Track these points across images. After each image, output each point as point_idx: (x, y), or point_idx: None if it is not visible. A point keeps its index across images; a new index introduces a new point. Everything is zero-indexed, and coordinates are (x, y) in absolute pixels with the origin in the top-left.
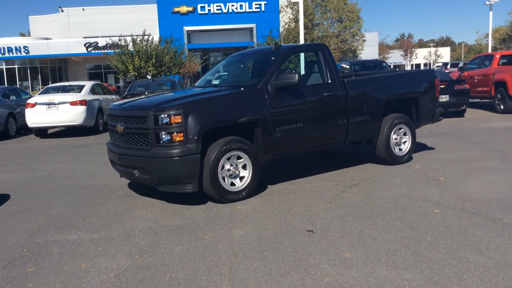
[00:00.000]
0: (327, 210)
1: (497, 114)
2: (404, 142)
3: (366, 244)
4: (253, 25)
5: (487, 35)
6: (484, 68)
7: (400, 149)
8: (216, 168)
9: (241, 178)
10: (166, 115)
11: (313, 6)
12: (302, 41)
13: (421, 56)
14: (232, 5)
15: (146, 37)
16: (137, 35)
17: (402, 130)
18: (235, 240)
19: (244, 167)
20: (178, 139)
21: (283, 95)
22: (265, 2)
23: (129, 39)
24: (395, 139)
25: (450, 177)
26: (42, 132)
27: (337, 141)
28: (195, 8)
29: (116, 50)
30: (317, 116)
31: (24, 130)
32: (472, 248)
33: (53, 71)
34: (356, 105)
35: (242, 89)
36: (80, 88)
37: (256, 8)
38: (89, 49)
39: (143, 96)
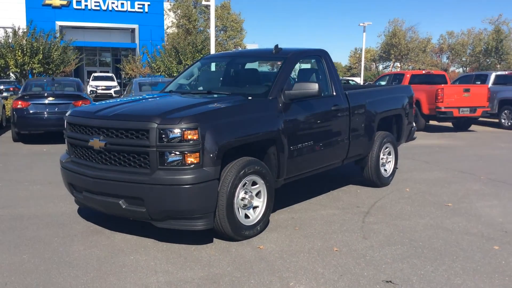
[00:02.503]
0: (373, 249)
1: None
2: (389, 162)
3: None
4: (135, 26)
5: (360, 55)
6: None
7: (385, 170)
8: (233, 197)
9: (254, 208)
10: (177, 129)
11: (196, 12)
12: (213, 47)
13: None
14: (113, 3)
15: (32, 29)
16: (4, 27)
17: (387, 149)
18: None
19: (257, 194)
20: (192, 160)
21: (295, 107)
22: (148, 3)
23: (9, 30)
24: (382, 158)
25: (456, 203)
26: None
27: (338, 161)
28: (70, 2)
29: None
30: (326, 132)
31: None
32: None
33: None
34: (356, 120)
35: (250, 98)
36: None
37: (139, 8)
38: None
39: (123, 100)
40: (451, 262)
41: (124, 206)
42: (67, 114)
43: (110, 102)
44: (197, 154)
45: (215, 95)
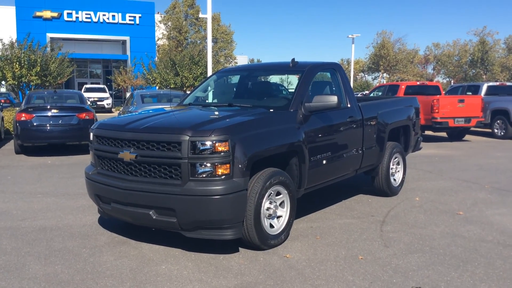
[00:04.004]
0: (397, 257)
1: None
2: (398, 172)
3: None
4: (126, 38)
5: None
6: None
7: (394, 180)
8: (260, 207)
9: (278, 218)
10: (209, 141)
11: (187, 24)
12: (210, 59)
13: None
14: (104, 15)
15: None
16: None
17: (396, 159)
18: None
19: (281, 204)
20: (222, 171)
21: (314, 119)
22: (140, 15)
23: (7, 41)
24: (391, 168)
25: (467, 211)
26: None
27: (352, 171)
28: (61, 14)
29: None
30: (342, 143)
31: None
32: None
33: None
34: (369, 132)
35: (271, 110)
36: None
37: (130, 20)
38: None
39: (149, 113)
40: (474, 269)
41: (154, 217)
42: (93, 127)
43: (136, 115)
44: (228, 165)
45: (238, 108)
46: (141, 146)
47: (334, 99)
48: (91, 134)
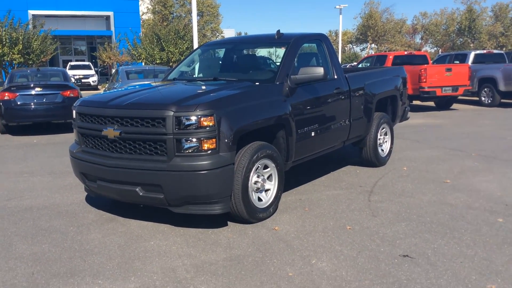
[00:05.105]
0: (385, 226)
1: None
2: (385, 142)
3: (494, 270)
4: (110, 13)
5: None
6: None
7: (382, 150)
8: (248, 181)
9: (266, 191)
10: (194, 116)
11: None
12: (195, 33)
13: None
14: None
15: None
16: None
17: (384, 129)
18: (333, 277)
19: (269, 178)
20: (208, 146)
21: (300, 92)
22: None
23: None
24: (379, 139)
25: (454, 179)
26: None
27: (340, 143)
28: None
29: None
30: (329, 115)
31: None
32: None
33: None
34: (356, 103)
35: (257, 84)
36: None
37: None
38: None
39: (133, 89)
40: (460, 235)
41: (141, 194)
42: (75, 105)
43: (120, 91)
44: (214, 140)
45: (223, 82)
46: (125, 122)
47: (320, 70)
48: (74, 112)
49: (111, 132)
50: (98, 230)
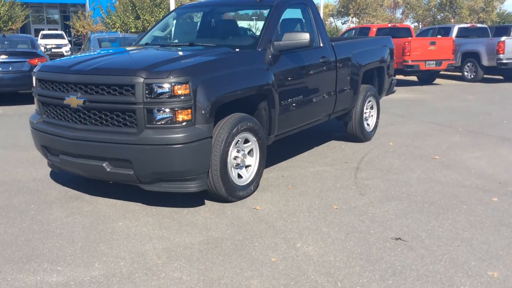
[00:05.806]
0: (373, 205)
1: None
2: (371, 116)
3: (494, 255)
4: None
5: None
6: None
7: (368, 124)
8: (227, 156)
9: (247, 167)
10: (167, 83)
11: None
12: (173, 2)
13: None
14: None
15: None
16: None
17: (370, 103)
18: (320, 262)
19: (249, 153)
20: (183, 117)
21: (284, 60)
22: None
23: None
24: (365, 112)
25: (442, 155)
26: None
27: (325, 116)
28: None
29: None
30: (314, 86)
31: None
32: None
33: None
34: (343, 73)
35: (237, 50)
36: None
37: None
38: None
39: (100, 53)
40: (455, 216)
41: (108, 169)
42: (35, 70)
43: (85, 55)
44: (189, 110)
45: (200, 47)
46: (89, 90)
47: (306, 36)
48: (34, 78)
49: (74, 100)
50: (61, 209)
